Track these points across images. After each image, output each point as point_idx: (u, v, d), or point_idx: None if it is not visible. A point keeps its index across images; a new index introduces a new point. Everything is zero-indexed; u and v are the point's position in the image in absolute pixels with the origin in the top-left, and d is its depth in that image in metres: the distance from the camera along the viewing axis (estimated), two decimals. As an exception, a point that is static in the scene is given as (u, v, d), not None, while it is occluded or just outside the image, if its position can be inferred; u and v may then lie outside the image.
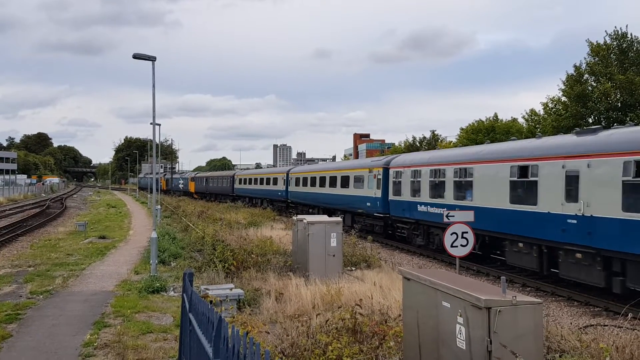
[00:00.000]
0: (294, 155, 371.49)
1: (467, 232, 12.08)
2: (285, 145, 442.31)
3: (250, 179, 53.03)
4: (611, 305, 13.00)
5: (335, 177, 31.61)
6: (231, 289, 11.40)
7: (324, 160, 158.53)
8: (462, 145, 44.49)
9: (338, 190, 30.88)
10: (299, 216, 16.80)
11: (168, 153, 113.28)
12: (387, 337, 7.55)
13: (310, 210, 36.06)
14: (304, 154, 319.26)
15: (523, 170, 15.92)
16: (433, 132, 69.72)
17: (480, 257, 18.75)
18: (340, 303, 10.32)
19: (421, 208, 21.51)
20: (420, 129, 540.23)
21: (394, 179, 24.04)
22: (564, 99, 37.25)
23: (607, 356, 6.89)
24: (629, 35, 34.95)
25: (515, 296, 5.64)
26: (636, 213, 11.95)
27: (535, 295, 14.07)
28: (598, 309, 13.30)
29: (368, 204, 26.36)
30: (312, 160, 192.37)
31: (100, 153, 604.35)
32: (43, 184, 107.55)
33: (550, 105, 39.13)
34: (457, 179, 19.35)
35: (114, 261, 18.97)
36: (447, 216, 12.99)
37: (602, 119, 35.06)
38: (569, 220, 13.82)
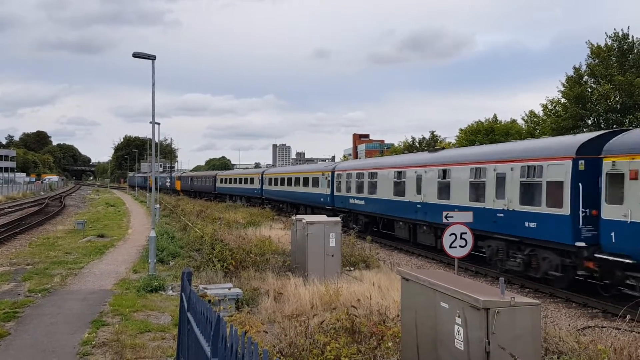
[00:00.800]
0: (293, 155, 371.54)
1: (465, 233, 12.05)
2: (285, 145, 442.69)
3: (230, 179, 58.37)
4: (609, 307, 13.02)
5: (299, 178, 37.98)
6: (230, 289, 11.41)
7: (323, 160, 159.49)
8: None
9: (302, 189, 37.16)
10: (298, 216, 16.80)
11: (167, 152, 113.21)
12: (386, 338, 7.55)
13: (281, 205, 43.06)
14: (303, 153, 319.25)
15: (399, 174, 23.60)
16: (432, 132, 69.77)
17: (472, 256, 18.98)
18: (337, 304, 10.31)
19: (352, 201, 28.99)
20: (419, 129, 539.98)
21: (337, 180, 31.41)
22: (563, 100, 37.24)
23: (605, 358, 6.90)
24: (630, 37, 34.91)
25: (514, 297, 5.63)
26: (443, 200, 19.57)
27: (533, 297, 14.08)
28: (596, 311, 13.32)
29: (322, 199, 33.44)
30: (311, 160, 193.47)
31: (100, 152, 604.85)
32: (42, 182, 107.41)
33: (549, 106, 39.13)
34: (370, 180, 26.74)
35: (112, 260, 18.95)
36: (446, 217, 12.95)
37: (601, 121, 35.07)
38: (418, 205, 21.67)
